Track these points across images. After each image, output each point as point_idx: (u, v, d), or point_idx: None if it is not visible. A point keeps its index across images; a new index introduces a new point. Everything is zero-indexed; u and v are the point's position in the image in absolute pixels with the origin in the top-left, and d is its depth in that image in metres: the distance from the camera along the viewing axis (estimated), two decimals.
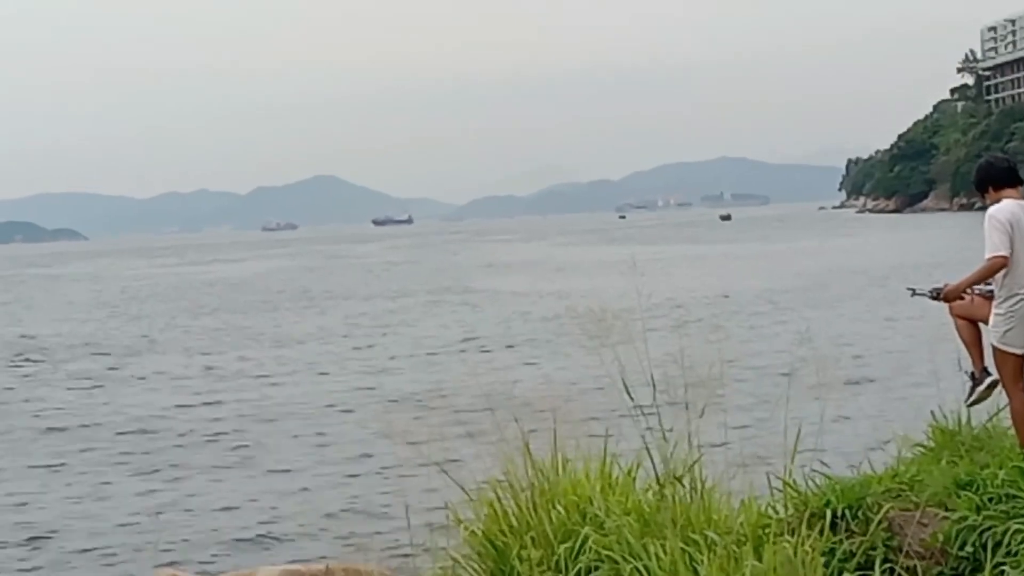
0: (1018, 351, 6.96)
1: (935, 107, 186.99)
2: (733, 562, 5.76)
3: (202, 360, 29.68)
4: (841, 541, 6.05)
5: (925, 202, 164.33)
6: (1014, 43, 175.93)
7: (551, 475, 7.13)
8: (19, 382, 27.21)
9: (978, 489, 6.12)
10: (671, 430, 6.78)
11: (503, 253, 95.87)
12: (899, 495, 6.31)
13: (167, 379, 26.37)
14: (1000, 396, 7.25)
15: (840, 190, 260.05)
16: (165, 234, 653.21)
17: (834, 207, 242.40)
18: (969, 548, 5.85)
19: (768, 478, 6.73)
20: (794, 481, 6.58)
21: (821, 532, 5.92)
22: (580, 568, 6.30)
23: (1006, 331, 6.98)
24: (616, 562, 6.10)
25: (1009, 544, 5.71)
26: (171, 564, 11.16)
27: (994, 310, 7.07)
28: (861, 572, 5.91)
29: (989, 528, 5.84)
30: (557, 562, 6.44)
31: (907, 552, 5.98)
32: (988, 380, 7.34)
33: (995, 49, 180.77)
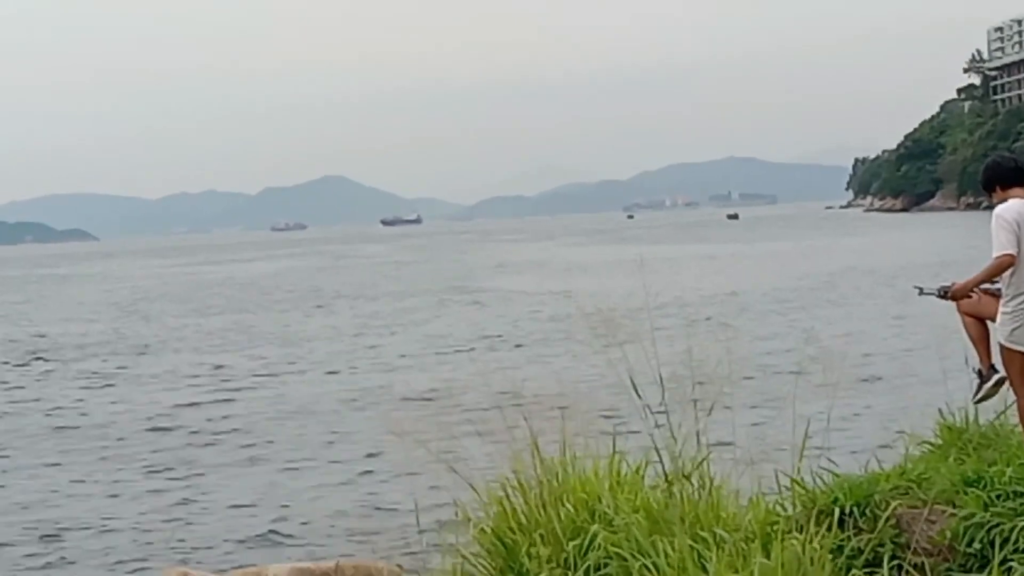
0: None
1: (942, 107, 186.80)
2: (741, 559, 5.79)
3: (212, 359, 29.76)
4: (849, 538, 6.07)
5: (932, 201, 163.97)
6: (1020, 43, 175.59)
7: (560, 473, 7.14)
8: (30, 381, 27.33)
9: (986, 486, 6.13)
10: (679, 428, 6.82)
11: (512, 253, 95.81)
12: (907, 492, 6.32)
13: (177, 378, 26.45)
14: (1008, 393, 7.27)
15: (847, 189, 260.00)
16: (175, 235, 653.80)
17: (841, 206, 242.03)
18: (977, 545, 5.87)
19: (776, 475, 6.74)
20: (802, 479, 6.59)
21: (829, 529, 5.95)
22: (589, 565, 6.31)
23: (1013, 329, 7.01)
24: (625, 559, 6.11)
25: (1016, 541, 5.73)
26: (182, 562, 11.22)
27: (1001, 308, 7.10)
28: (869, 569, 5.93)
29: (997, 525, 5.86)
30: (566, 559, 6.45)
31: (915, 549, 6.01)
32: (995, 377, 7.37)
33: (1002, 49, 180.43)
